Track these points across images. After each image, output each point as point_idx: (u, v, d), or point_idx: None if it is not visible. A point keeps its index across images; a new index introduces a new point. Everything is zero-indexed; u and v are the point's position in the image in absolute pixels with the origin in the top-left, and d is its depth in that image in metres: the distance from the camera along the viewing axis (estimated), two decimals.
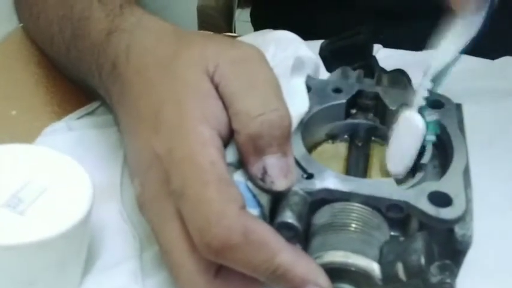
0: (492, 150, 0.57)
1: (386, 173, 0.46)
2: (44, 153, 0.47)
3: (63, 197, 0.44)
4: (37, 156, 0.47)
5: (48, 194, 0.44)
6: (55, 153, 0.47)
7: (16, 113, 0.62)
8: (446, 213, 0.40)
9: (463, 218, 0.40)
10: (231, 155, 0.43)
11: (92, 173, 0.46)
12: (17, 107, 0.62)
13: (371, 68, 0.51)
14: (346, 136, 0.49)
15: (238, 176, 0.42)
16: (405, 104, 0.46)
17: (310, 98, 0.47)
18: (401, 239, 0.42)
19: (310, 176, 0.42)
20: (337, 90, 0.49)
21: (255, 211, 0.41)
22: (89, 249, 0.47)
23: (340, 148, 0.49)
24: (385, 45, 0.69)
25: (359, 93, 0.49)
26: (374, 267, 0.40)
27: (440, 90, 0.48)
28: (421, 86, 0.46)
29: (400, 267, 0.39)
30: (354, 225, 0.41)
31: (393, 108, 0.48)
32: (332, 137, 0.49)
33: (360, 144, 0.49)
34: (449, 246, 0.40)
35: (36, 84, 0.66)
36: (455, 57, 0.46)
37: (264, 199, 0.41)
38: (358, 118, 0.49)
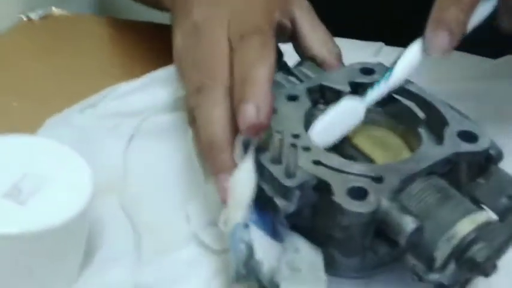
0: None
1: (387, 153, 0.47)
2: (44, 144, 0.47)
3: (63, 187, 0.44)
4: (37, 147, 0.47)
5: (49, 184, 0.44)
6: (55, 143, 0.47)
7: (17, 104, 0.62)
8: (484, 143, 0.45)
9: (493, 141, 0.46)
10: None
11: (92, 166, 0.46)
12: (19, 98, 0.63)
13: (286, 68, 0.52)
14: None
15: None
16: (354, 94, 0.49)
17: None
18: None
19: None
20: (292, 98, 0.49)
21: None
22: (88, 241, 0.47)
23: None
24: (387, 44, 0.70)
25: (313, 91, 0.50)
26: (492, 215, 0.43)
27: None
28: (379, 89, 0.48)
29: None
30: (444, 193, 0.43)
31: (347, 90, 0.49)
32: None
33: None
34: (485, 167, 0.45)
35: (37, 76, 0.66)
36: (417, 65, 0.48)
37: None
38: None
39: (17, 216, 0.42)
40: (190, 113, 0.48)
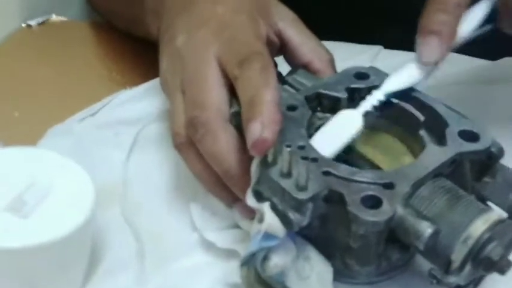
0: None
1: (389, 157, 0.48)
2: (47, 156, 0.47)
3: (65, 199, 0.44)
4: (40, 159, 0.47)
5: (51, 196, 0.44)
6: (57, 156, 0.47)
7: (19, 114, 0.62)
8: (486, 141, 0.45)
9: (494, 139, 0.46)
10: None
11: (93, 176, 0.46)
12: (20, 108, 0.63)
13: (280, 77, 0.52)
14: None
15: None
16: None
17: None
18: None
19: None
20: (292, 108, 0.49)
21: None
22: (91, 252, 0.47)
23: None
24: (386, 46, 0.70)
25: (310, 99, 0.50)
26: (501, 212, 0.43)
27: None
28: (373, 96, 0.48)
29: None
30: (453, 194, 0.43)
31: (344, 97, 0.49)
32: None
33: None
34: (487, 165, 0.46)
35: (38, 85, 0.66)
36: (416, 82, 0.49)
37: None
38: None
39: (19, 229, 0.42)
40: (178, 136, 0.49)
